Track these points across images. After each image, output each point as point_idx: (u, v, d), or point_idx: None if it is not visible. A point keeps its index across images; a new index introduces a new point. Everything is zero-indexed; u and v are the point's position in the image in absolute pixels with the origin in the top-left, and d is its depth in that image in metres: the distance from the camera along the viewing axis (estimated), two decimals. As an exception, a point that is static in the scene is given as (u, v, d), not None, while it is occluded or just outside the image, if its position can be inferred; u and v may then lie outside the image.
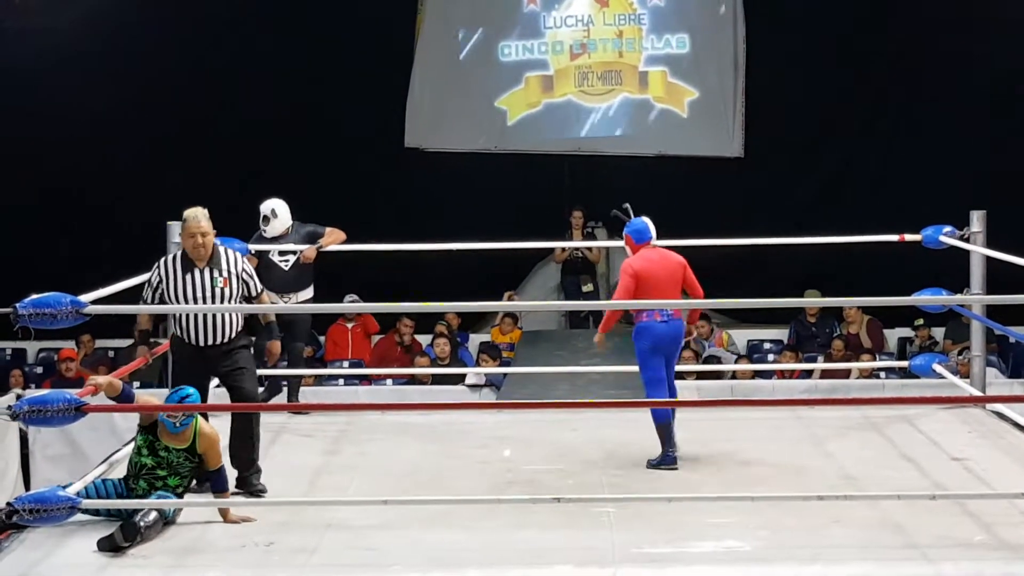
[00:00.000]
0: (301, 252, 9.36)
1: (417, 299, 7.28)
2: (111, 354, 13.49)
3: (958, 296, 9.27)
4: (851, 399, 9.77)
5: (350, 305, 12.37)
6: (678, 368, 8.08)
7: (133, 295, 7.42)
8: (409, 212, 14.25)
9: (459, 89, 14.94)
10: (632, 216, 8.01)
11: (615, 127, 14.96)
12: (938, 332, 13.25)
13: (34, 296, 6.11)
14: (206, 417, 6.94)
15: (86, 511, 6.46)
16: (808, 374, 12.19)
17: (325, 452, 8.29)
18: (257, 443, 7.28)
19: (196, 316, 7.15)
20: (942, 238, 9.21)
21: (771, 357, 13.35)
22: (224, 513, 6.66)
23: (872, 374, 12.08)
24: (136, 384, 10.61)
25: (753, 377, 12.12)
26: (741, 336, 13.85)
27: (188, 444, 6.72)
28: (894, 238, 9.42)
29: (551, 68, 14.94)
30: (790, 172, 14.70)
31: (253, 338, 7.60)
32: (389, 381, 12.05)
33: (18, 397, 10.11)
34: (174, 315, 7.27)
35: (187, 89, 14.33)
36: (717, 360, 12.58)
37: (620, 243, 8.07)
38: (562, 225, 14.04)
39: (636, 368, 7.82)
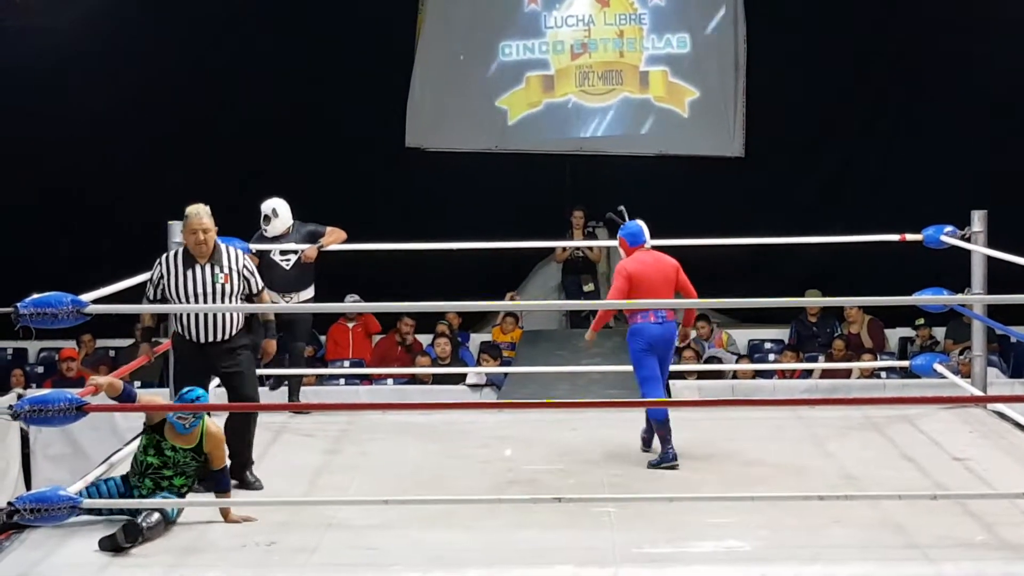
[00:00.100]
0: (302, 251, 9.35)
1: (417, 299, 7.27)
2: (112, 354, 13.49)
3: (959, 296, 9.26)
4: (852, 399, 9.77)
5: (351, 305, 12.37)
6: (680, 368, 8.09)
7: (134, 295, 7.42)
8: (410, 212, 14.24)
9: (460, 89, 14.94)
10: (627, 219, 8.02)
11: (616, 127, 14.96)
12: (939, 332, 13.24)
13: (35, 296, 6.11)
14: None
15: (87, 511, 6.46)
16: (809, 374, 12.19)
17: (326, 452, 8.28)
18: (252, 442, 7.32)
19: (197, 312, 7.15)
20: (943, 238, 9.20)
21: (772, 357, 13.34)
22: (225, 513, 6.67)
23: (873, 374, 12.08)
24: (137, 383, 10.61)
25: (754, 377, 12.13)
26: (742, 336, 13.84)
27: (195, 444, 6.72)
28: (895, 238, 9.41)
29: (552, 68, 14.94)
30: (790, 172, 14.69)
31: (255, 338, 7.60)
32: (390, 381, 12.05)
33: (19, 397, 10.14)
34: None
35: (187, 89, 14.33)
36: (718, 361, 12.57)
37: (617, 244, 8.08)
38: (563, 225, 14.03)
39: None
